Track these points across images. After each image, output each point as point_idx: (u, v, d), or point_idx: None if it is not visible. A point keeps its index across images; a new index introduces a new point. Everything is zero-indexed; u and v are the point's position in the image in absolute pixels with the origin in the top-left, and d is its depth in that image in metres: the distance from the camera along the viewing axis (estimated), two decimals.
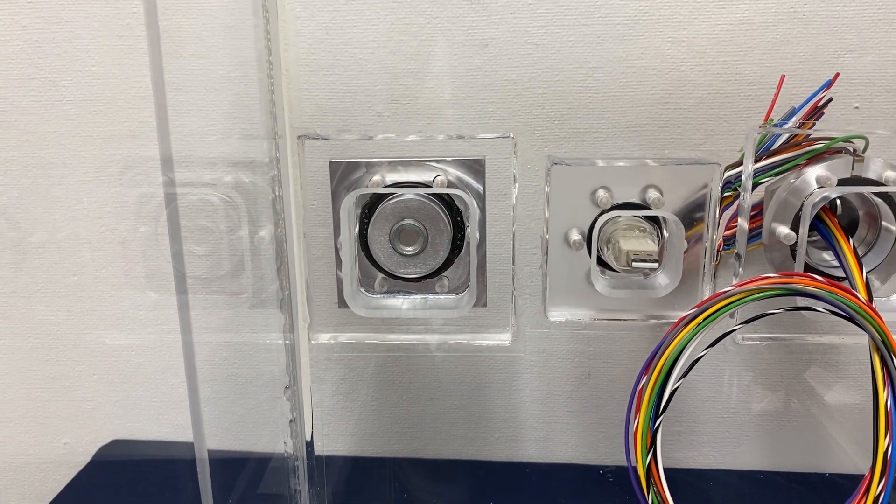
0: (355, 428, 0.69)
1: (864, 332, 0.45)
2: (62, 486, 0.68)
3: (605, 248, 0.50)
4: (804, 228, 0.48)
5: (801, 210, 0.48)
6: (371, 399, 0.68)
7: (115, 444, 0.71)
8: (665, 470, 0.47)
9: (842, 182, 0.49)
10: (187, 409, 0.47)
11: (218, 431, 0.65)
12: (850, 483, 0.63)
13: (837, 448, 0.65)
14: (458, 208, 0.52)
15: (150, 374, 0.69)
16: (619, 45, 0.57)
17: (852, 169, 0.50)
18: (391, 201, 0.51)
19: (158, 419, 0.70)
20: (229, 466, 0.60)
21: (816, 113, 0.51)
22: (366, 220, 0.51)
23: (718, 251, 0.53)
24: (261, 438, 0.64)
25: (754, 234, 0.53)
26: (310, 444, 0.57)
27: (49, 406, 0.70)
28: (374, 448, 0.69)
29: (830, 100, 0.51)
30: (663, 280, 0.51)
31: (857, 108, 0.57)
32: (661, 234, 0.51)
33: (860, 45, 0.56)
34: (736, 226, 0.52)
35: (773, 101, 0.52)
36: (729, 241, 0.54)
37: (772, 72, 0.56)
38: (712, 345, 0.46)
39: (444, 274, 0.53)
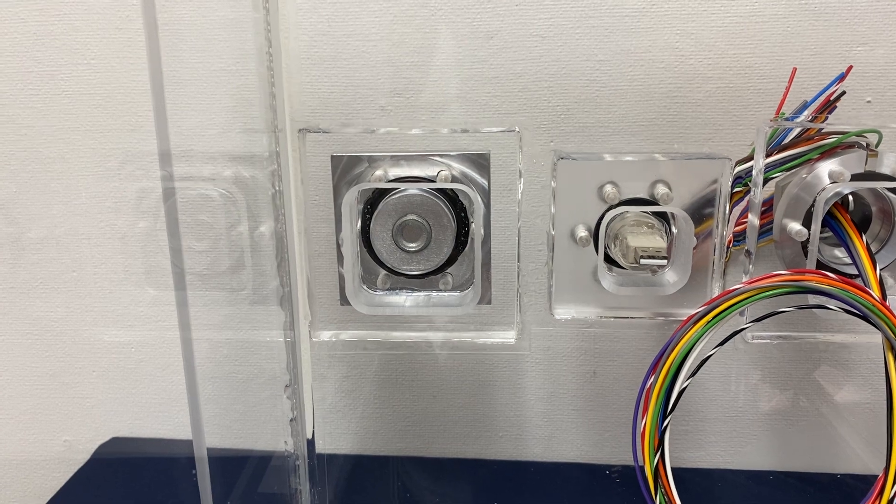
0: (357, 426, 0.68)
1: (877, 331, 0.44)
2: (62, 484, 0.67)
3: (613, 245, 0.49)
4: (816, 225, 0.47)
5: (812, 206, 0.47)
6: (374, 397, 0.67)
7: (115, 441, 0.70)
8: (672, 469, 0.46)
9: (855, 177, 0.48)
10: (187, 407, 0.46)
11: (218, 429, 0.65)
12: (860, 484, 0.62)
13: (848, 448, 0.64)
14: (462, 204, 0.51)
15: (149, 371, 0.68)
16: (626, 37, 0.56)
17: (866, 164, 0.49)
18: (394, 196, 0.50)
19: (158, 416, 0.69)
20: (229, 465, 0.59)
21: (829, 107, 0.50)
22: (368, 216, 0.50)
23: (728, 247, 0.52)
24: (261, 437, 0.64)
25: (765, 230, 0.52)
26: (311, 443, 0.56)
27: (48, 403, 0.70)
28: (377, 446, 0.68)
29: (843, 93, 0.50)
30: (672, 277, 0.50)
31: (869, 101, 0.56)
32: (670, 229, 0.50)
33: (872, 38, 0.55)
34: (746, 221, 0.51)
35: (785, 95, 0.51)
36: (739, 237, 0.53)
37: (782, 65, 0.55)
38: (721, 343, 0.45)
39: (447, 271, 0.52)
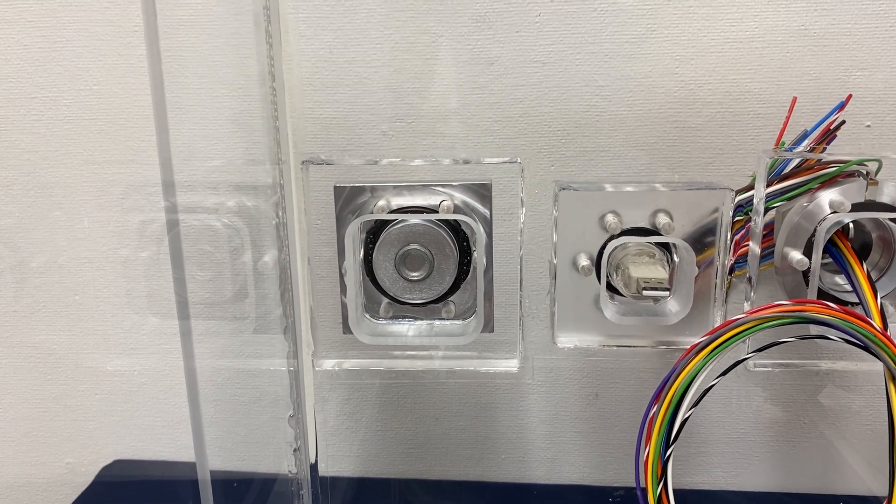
0: (360, 449, 0.68)
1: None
2: None
3: (615, 274, 0.49)
4: (817, 255, 0.47)
5: (813, 235, 0.47)
6: (376, 419, 0.67)
7: (118, 464, 0.70)
8: (675, 491, 0.46)
9: (856, 206, 0.48)
10: (190, 429, 0.46)
11: (221, 452, 0.65)
12: None
13: (850, 470, 0.64)
14: (464, 233, 0.51)
15: (152, 393, 0.68)
16: (626, 63, 0.56)
17: (866, 192, 0.49)
18: (396, 226, 0.50)
19: (161, 439, 0.69)
20: (232, 488, 0.59)
21: (829, 136, 0.50)
22: (371, 246, 0.50)
23: (729, 273, 0.52)
24: (264, 460, 0.64)
25: (765, 255, 0.52)
26: (314, 468, 0.56)
27: (51, 426, 0.70)
28: (379, 469, 0.68)
29: (843, 122, 0.50)
30: (674, 307, 0.50)
31: (868, 126, 0.56)
32: (672, 259, 0.50)
33: (872, 63, 0.55)
34: (746, 246, 0.51)
35: (785, 124, 0.51)
36: (740, 261, 0.53)
37: (782, 90, 0.55)
38: (724, 373, 0.45)
39: (450, 299, 0.52)
